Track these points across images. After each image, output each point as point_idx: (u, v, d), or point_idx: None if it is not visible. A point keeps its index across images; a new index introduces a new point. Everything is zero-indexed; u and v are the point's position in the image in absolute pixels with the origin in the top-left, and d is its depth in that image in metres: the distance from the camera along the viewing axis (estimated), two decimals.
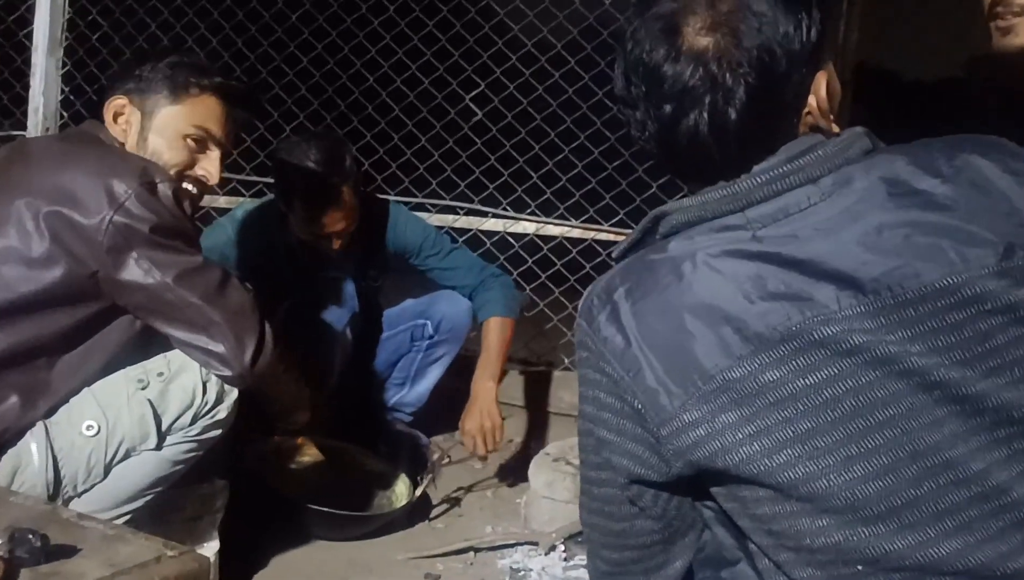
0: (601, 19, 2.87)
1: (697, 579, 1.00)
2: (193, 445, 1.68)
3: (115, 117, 1.68)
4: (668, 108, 0.90)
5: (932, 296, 0.82)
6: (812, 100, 0.93)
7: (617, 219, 2.91)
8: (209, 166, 1.70)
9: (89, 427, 1.58)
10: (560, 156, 2.98)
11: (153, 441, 1.62)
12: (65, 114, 3.00)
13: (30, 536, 1.13)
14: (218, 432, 1.71)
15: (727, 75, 0.87)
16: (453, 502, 2.43)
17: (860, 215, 0.86)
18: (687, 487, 0.93)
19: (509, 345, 2.44)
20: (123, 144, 1.68)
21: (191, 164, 1.69)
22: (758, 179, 0.90)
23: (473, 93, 3.05)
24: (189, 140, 1.68)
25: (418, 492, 2.31)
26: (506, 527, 2.30)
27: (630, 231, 2.95)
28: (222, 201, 3.13)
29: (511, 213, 2.98)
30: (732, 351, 0.85)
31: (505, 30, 3.03)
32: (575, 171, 2.96)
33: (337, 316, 2.44)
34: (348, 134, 2.83)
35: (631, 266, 0.94)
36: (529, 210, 2.98)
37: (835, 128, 0.95)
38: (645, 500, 0.93)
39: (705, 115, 0.89)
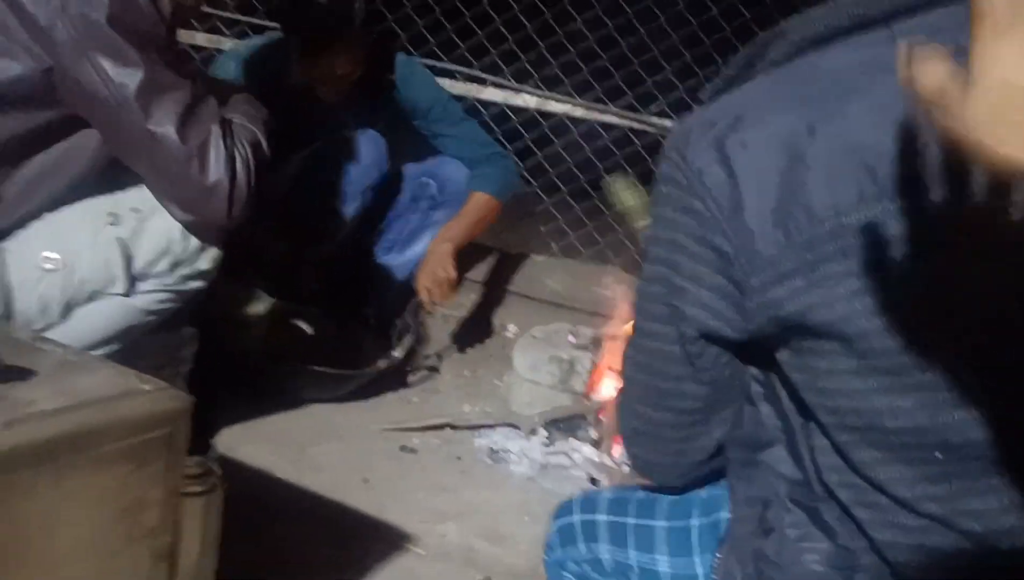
0: None
1: (729, 456, 0.92)
2: (168, 295, 1.50)
3: None
4: None
5: None
6: None
7: (625, 102, 2.73)
8: None
9: (46, 259, 1.39)
10: (568, 25, 2.77)
11: (121, 285, 1.44)
12: None
13: None
14: (199, 284, 1.53)
15: None
16: (429, 370, 2.34)
17: None
18: (754, 351, 0.83)
19: (484, 225, 2.37)
20: None
21: None
22: None
23: None
24: None
25: (396, 354, 2.20)
26: (483, 407, 2.21)
27: (637, 115, 2.80)
28: (200, 39, 2.88)
29: (512, 84, 2.79)
30: (854, 192, 0.71)
31: None
32: (584, 44, 2.77)
33: (359, 174, 2.29)
34: None
35: (735, 95, 0.80)
36: (531, 82, 2.80)
37: None
38: (704, 360, 0.84)
39: None
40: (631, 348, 0.90)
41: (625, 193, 1.86)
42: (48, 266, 1.39)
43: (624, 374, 0.92)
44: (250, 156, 1.45)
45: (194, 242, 1.47)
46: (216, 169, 1.39)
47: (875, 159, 0.71)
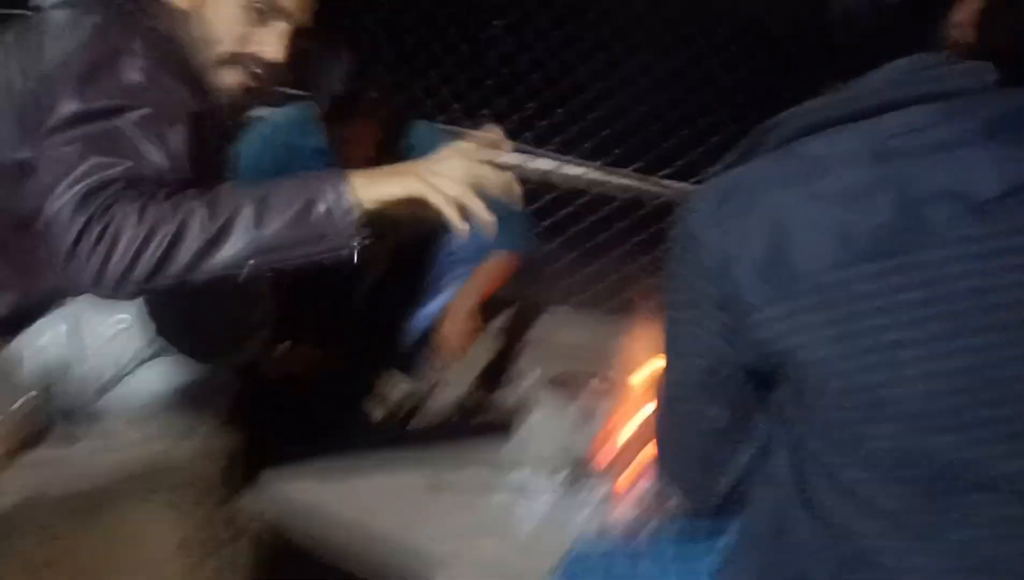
0: None
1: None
2: None
3: None
4: None
5: None
6: (964, 12, 0.94)
7: (639, 165, 2.89)
8: (272, 41, 1.45)
9: (119, 320, 1.49)
10: (584, 93, 2.94)
11: None
12: None
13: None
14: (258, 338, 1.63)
15: None
16: (444, 422, 2.44)
17: (980, 140, 0.87)
18: (756, 380, 0.96)
19: (506, 278, 2.45)
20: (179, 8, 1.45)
21: (250, 36, 1.46)
22: (878, 79, 0.91)
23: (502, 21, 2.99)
24: (251, 9, 1.43)
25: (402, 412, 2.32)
26: (501, 451, 2.30)
27: (648, 178, 2.93)
28: None
29: (531, 149, 2.95)
30: (831, 257, 0.86)
31: None
32: (601, 111, 2.93)
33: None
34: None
35: (736, 172, 0.95)
36: (549, 147, 2.95)
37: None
38: (715, 387, 0.98)
39: None
40: (662, 378, 1.04)
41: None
42: (121, 326, 1.48)
43: (658, 402, 1.07)
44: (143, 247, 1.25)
45: (253, 317, 1.57)
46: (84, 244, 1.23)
47: (851, 230, 0.86)
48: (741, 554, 1.02)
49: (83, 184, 1.22)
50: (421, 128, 2.45)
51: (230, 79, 1.48)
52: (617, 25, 2.84)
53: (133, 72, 1.34)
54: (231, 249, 1.20)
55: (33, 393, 1.09)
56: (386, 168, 1.31)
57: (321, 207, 1.24)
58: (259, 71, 1.48)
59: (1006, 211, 0.85)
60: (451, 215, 1.28)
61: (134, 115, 1.31)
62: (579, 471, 2.14)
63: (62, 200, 1.22)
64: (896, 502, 0.87)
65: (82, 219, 1.20)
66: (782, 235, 0.88)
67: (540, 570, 1.75)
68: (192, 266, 1.20)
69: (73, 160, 1.25)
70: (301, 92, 2.81)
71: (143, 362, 1.52)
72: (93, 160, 1.25)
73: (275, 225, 1.22)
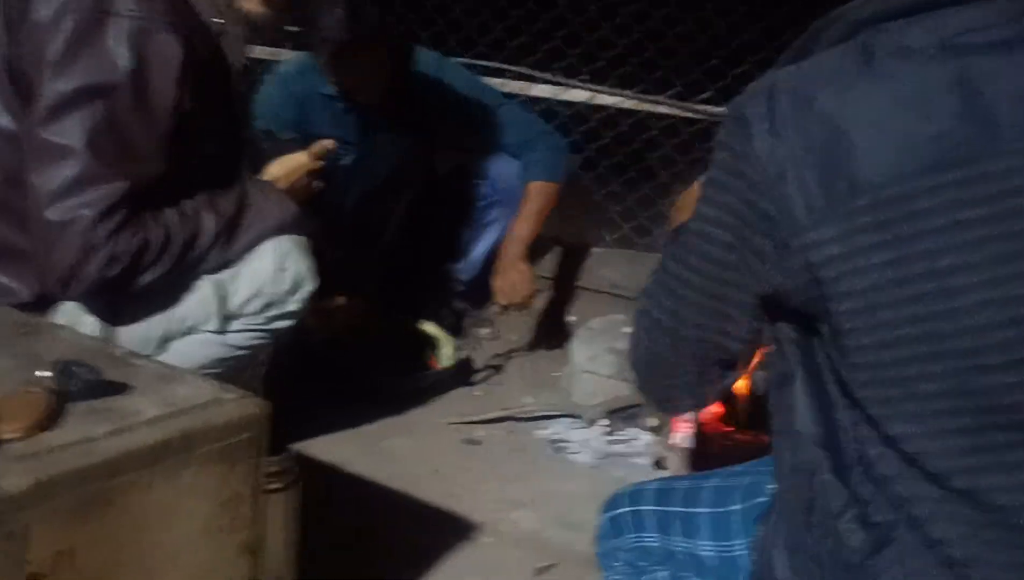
0: None
1: (774, 428, 0.95)
2: (259, 334, 1.60)
3: None
4: None
5: None
6: None
7: (675, 91, 2.76)
8: None
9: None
10: (616, 19, 2.80)
11: (215, 323, 1.54)
12: None
13: (80, 369, 1.08)
14: (288, 323, 1.62)
15: None
16: (494, 369, 2.41)
17: None
18: (791, 309, 0.87)
19: (548, 210, 2.38)
20: None
21: None
22: None
23: None
24: None
25: (459, 356, 2.28)
26: (545, 399, 2.28)
27: (686, 104, 2.81)
28: (260, 51, 2.99)
29: (562, 80, 2.84)
30: (893, 168, 0.78)
31: None
32: (632, 38, 2.80)
33: (388, 176, 2.36)
34: None
35: (794, 69, 0.86)
36: (581, 77, 2.84)
37: None
38: (737, 317, 0.90)
39: None
40: (666, 299, 0.94)
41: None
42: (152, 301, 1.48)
43: (650, 314, 0.96)
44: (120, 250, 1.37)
45: (285, 285, 1.56)
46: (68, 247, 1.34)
47: (913, 137, 0.78)
48: (775, 520, 0.95)
49: (90, 198, 1.32)
50: (430, 58, 2.36)
51: (249, 2, 1.44)
52: None
53: (120, 40, 1.31)
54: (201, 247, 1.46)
55: (49, 373, 1.05)
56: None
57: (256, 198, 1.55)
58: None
59: None
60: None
61: (125, 97, 1.32)
62: (622, 417, 2.10)
63: (75, 213, 1.32)
64: (946, 461, 0.80)
65: (95, 241, 1.34)
66: (841, 142, 0.79)
67: (597, 520, 1.74)
68: (173, 269, 1.44)
69: (75, 160, 1.32)
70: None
71: (174, 338, 1.53)
72: (92, 164, 1.32)
73: (228, 220, 1.50)
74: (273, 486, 1.27)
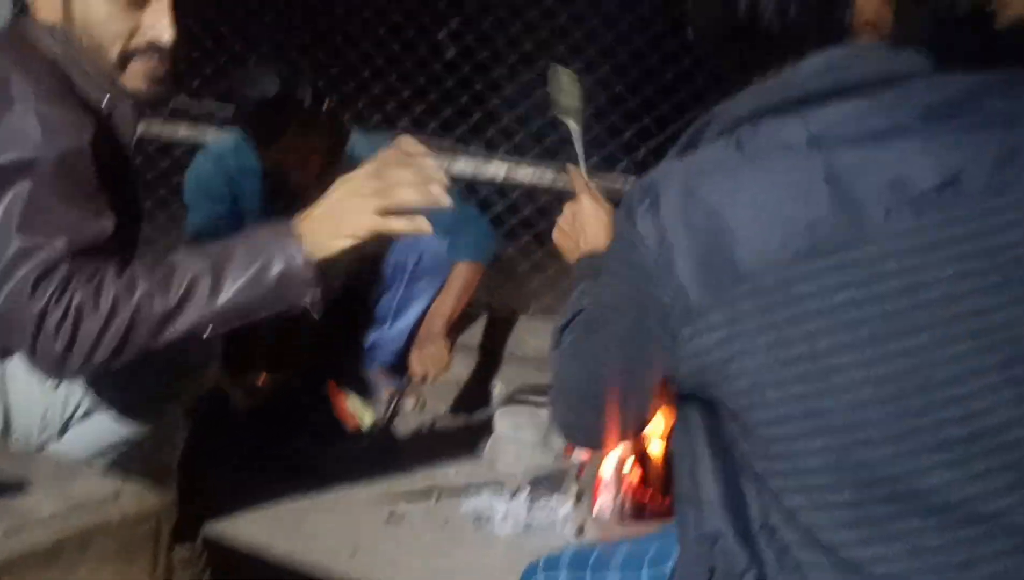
0: None
1: (678, 492, 0.99)
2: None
3: None
4: None
5: (979, 215, 0.82)
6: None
7: (592, 163, 2.85)
8: (155, 21, 1.34)
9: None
10: (534, 96, 2.91)
11: None
12: None
13: None
14: (195, 391, 1.59)
15: None
16: (418, 439, 2.42)
17: (918, 130, 0.85)
18: (693, 396, 0.92)
19: (472, 291, 2.45)
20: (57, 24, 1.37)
21: (134, 28, 1.35)
22: (816, 64, 0.89)
23: (450, 26, 2.96)
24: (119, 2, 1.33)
25: (382, 426, 2.30)
26: (469, 469, 2.29)
27: (603, 175, 2.90)
28: (183, 132, 3.02)
29: (483, 155, 2.92)
30: (772, 255, 0.83)
31: None
32: (550, 114, 2.89)
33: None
34: (317, 63, 2.73)
35: (679, 163, 0.93)
36: (501, 152, 2.92)
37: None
38: (650, 373, 0.95)
39: None
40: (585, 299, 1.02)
41: (568, 88, 1.55)
42: (50, 387, 1.44)
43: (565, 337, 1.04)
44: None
45: (192, 358, 1.51)
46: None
47: (789, 226, 0.84)
48: None
49: (27, 269, 1.21)
50: (364, 139, 2.40)
51: (134, 79, 1.38)
52: (558, 28, 2.82)
53: (25, 118, 1.28)
54: (189, 320, 1.23)
55: None
56: (333, 206, 1.28)
57: (275, 270, 1.25)
58: (158, 57, 1.37)
59: (943, 202, 0.83)
60: (419, 227, 1.28)
61: (44, 171, 1.27)
62: (545, 485, 2.13)
63: (7, 289, 1.21)
64: (833, 533, 0.84)
65: (38, 308, 1.19)
66: (723, 230, 0.85)
67: None
68: (152, 339, 1.23)
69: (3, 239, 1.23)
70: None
71: (75, 420, 1.49)
72: (27, 240, 1.22)
73: (231, 294, 1.24)
74: (180, 577, 1.26)
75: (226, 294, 1.24)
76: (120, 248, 1.32)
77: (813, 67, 0.90)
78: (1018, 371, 0.81)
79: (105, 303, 1.21)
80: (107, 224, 1.29)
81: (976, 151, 0.84)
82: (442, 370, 2.38)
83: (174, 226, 3.05)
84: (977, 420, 0.81)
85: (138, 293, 1.22)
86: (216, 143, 2.52)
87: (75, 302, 1.20)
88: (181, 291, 1.23)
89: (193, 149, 2.83)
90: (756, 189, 0.86)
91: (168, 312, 1.23)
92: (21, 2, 1.45)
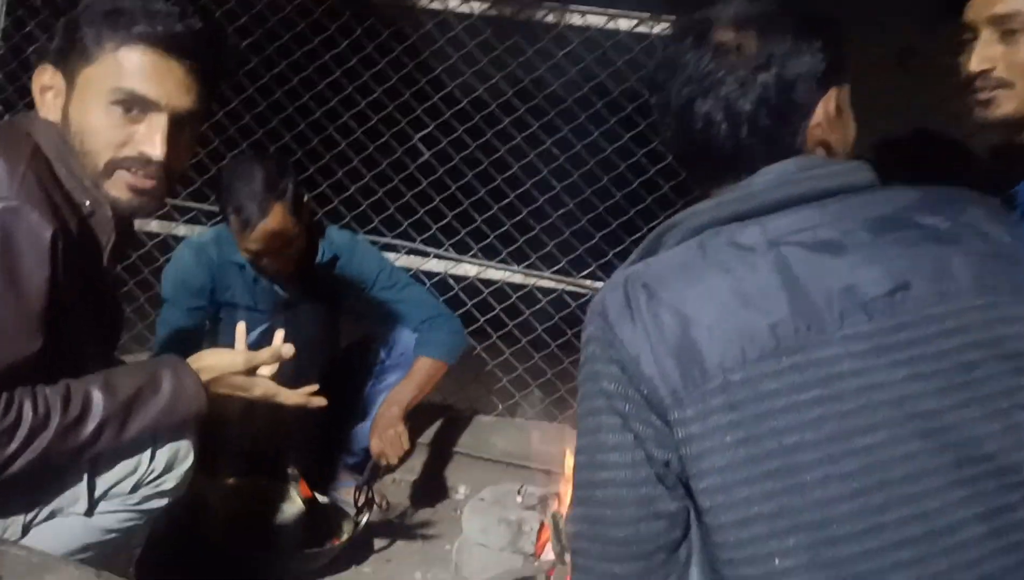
0: (552, 68, 2.91)
1: None
2: (131, 515, 1.49)
3: (43, 91, 1.41)
4: (687, 91, 0.97)
5: (925, 322, 0.87)
6: (821, 113, 0.99)
7: (559, 266, 2.92)
8: (148, 136, 1.35)
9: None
10: (505, 201, 2.98)
11: (83, 506, 1.43)
12: None
13: None
14: (163, 503, 1.51)
15: (743, 68, 0.95)
16: (385, 544, 2.36)
17: (866, 240, 0.90)
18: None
19: (432, 384, 2.44)
20: (56, 124, 1.40)
21: (126, 139, 1.37)
22: (769, 179, 0.94)
23: (422, 133, 3.05)
24: (116, 107, 1.35)
25: (353, 530, 2.24)
26: (436, 574, 2.23)
27: (570, 279, 2.96)
28: (154, 225, 3.03)
29: (453, 255, 2.96)
30: (738, 354, 0.86)
31: (456, 73, 3.04)
32: (519, 216, 2.97)
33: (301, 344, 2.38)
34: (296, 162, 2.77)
35: (643, 266, 0.96)
36: (471, 253, 2.97)
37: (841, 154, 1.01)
38: (661, 490, 0.91)
39: (720, 102, 0.96)
40: (579, 506, 0.97)
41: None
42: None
43: (573, 538, 0.98)
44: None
45: (161, 463, 1.46)
46: None
47: (752, 327, 0.87)
48: None
49: None
50: (343, 236, 2.45)
51: (117, 188, 1.40)
52: (530, 136, 2.92)
53: None
54: (86, 431, 1.36)
55: None
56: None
57: (167, 383, 1.46)
58: (144, 171, 1.38)
59: (893, 307, 0.87)
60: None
61: None
62: None
63: None
64: None
65: None
66: (690, 329, 0.88)
67: None
68: (69, 459, 1.37)
69: None
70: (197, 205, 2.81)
71: (38, 523, 1.42)
72: None
73: (124, 403, 1.40)
74: None
75: (119, 399, 1.40)
76: (50, 365, 1.36)
77: (766, 181, 0.96)
78: (967, 472, 0.84)
79: (22, 431, 1.30)
80: (34, 346, 1.32)
81: (916, 263, 0.90)
82: (402, 453, 2.31)
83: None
84: (931, 520, 0.83)
85: (52, 424, 1.33)
86: (198, 235, 2.52)
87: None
88: (79, 408, 1.36)
89: (163, 242, 2.84)
90: (720, 291, 0.90)
91: (68, 424, 1.34)
92: (30, 97, 1.46)
